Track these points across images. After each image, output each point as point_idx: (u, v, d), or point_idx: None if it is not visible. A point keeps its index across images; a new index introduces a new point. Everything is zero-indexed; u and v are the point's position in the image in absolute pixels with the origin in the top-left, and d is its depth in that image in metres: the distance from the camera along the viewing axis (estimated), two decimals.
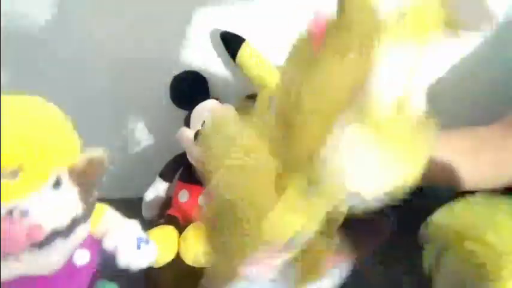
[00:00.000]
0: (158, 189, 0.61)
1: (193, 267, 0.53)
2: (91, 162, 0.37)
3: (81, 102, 0.65)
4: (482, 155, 0.44)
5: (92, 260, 0.40)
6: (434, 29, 0.26)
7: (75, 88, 0.64)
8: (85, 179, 0.37)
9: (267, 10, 0.61)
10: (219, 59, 0.64)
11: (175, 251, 0.54)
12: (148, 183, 0.61)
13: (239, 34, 0.60)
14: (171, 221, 0.57)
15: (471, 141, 0.44)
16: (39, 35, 0.61)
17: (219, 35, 0.61)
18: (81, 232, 0.38)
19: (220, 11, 0.61)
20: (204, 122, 0.59)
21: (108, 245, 0.40)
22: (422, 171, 0.27)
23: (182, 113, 0.62)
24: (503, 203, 0.31)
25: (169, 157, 0.62)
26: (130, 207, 0.63)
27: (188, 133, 0.57)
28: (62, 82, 0.64)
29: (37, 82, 0.64)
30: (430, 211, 0.35)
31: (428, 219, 0.34)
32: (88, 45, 0.62)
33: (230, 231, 0.30)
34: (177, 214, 0.59)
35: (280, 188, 0.29)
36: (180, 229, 0.56)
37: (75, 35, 0.61)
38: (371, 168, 0.26)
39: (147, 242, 0.42)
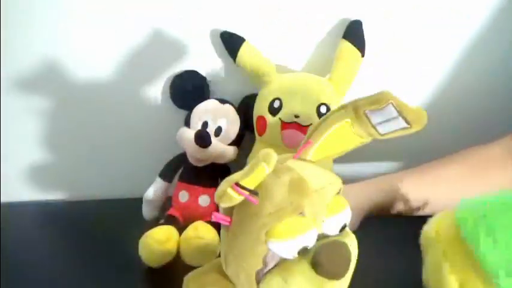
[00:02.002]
0: (158, 189, 0.60)
1: (193, 267, 0.53)
2: None
3: (81, 102, 0.66)
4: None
5: None
6: None
7: (75, 88, 0.64)
8: None
9: (267, 10, 0.61)
10: (219, 59, 0.64)
11: (176, 251, 0.54)
12: (148, 183, 0.61)
13: (239, 34, 0.60)
14: (171, 221, 0.57)
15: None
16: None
17: (219, 35, 0.61)
18: None
19: (220, 11, 0.61)
20: (204, 122, 0.59)
21: None
22: None
23: (182, 113, 0.62)
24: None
25: (169, 157, 0.62)
26: (130, 207, 0.63)
27: (188, 133, 0.57)
28: (61, 81, 0.64)
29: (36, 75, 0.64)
30: None
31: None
32: (88, 45, 0.62)
33: None
34: (177, 214, 0.59)
35: None
36: (180, 229, 0.56)
37: (75, 33, 0.61)
38: None
39: None
